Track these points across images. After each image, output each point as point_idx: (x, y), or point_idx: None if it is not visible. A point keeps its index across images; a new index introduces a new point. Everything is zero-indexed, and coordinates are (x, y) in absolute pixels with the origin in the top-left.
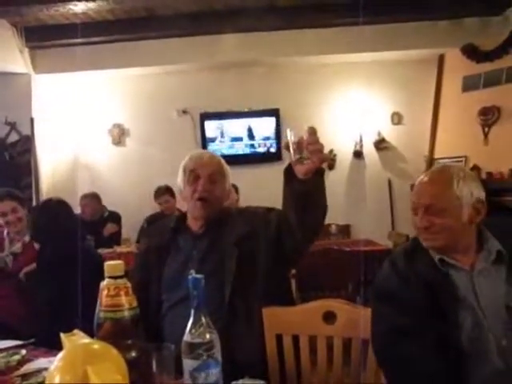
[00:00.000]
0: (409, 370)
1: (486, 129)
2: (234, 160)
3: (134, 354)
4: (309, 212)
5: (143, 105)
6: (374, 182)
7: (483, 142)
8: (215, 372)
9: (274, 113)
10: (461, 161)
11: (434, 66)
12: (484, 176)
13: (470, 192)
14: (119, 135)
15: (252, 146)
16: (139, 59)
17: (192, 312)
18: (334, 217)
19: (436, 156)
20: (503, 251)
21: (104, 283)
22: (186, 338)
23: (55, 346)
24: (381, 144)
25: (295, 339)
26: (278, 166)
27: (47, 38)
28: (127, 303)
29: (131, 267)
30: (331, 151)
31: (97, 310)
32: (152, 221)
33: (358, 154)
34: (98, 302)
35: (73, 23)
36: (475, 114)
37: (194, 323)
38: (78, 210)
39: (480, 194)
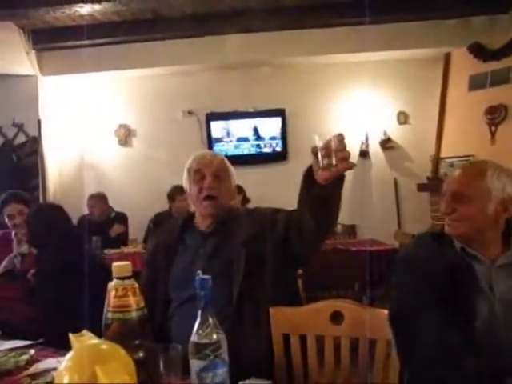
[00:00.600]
0: (422, 338)
1: (493, 128)
2: (240, 160)
3: (141, 354)
4: (326, 216)
5: (149, 105)
6: (380, 182)
7: (490, 141)
8: (222, 372)
9: (279, 113)
10: (467, 160)
11: (441, 65)
12: None
13: (502, 187)
14: (125, 136)
15: (258, 146)
16: (145, 60)
17: (199, 312)
18: (339, 216)
19: (442, 155)
20: None
21: (112, 284)
22: (193, 338)
23: (63, 347)
24: (387, 143)
25: (302, 339)
26: (284, 166)
27: (54, 40)
28: (135, 304)
29: (138, 268)
30: None
31: (105, 311)
32: (158, 220)
33: (363, 154)
34: (106, 303)
35: (79, 25)
36: (482, 112)
37: (201, 324)
38: (85, 211)
39: None
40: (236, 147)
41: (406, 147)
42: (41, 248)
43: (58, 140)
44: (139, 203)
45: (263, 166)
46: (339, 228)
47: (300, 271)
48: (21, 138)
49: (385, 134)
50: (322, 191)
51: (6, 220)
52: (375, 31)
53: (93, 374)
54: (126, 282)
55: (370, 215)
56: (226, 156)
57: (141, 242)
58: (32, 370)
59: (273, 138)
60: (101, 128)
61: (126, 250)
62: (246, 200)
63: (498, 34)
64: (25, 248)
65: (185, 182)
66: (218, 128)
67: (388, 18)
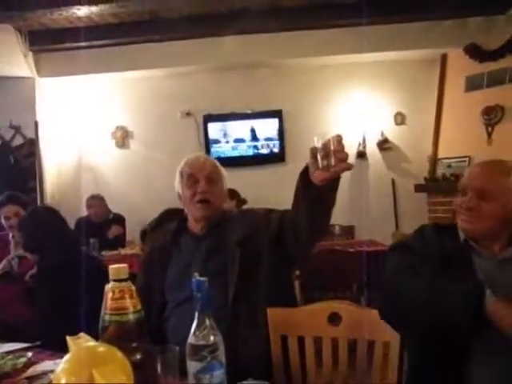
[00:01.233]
0: (413, 305)
1: (490, 128)
2: (238, 161)
3: (138, 356)
4: (321, 215)
5: (147, 107)
6: (378, 183)
7: (487, 142)
8: (219, 374)
9: (276, 114)
10: (464, 161)
11: (437, 66)
12: None
13: None
14: (123, 138)
15: (255, 147)
16: (142, 62)
17: (196, 314)
18: (337, 217)
19: (439, 156)
20: None
21: (109, 286)
22: (191, 340)
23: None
24: (384, 144)
25: (300, 340)
26: (281, 167)
27: (51, 41)
28: (132, 306)
29: (135, 270)
30: None
31: (102, 313)
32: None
33: (361, 155)
34: (103, 305)
35: (76, 27)
36: (478, 113)
37: (198, 325)
38: (83, 213)
39: None
40: (233, 148)
41: (404, 148)
42: (37, 252)
43: (56, 142)
44: (137, 205)
45: (260, 168)
46: (337, 229)
47: (298, 272)
48: (18, 140)
49: (382, 134)
50: (317, 192)
51: (3, 221)
52: (372, 32)
53: (90, 376)
54: (123, 284)
55: (368, 216)
56: (224, 157)
57: (138, 243)
58: (29, 372)
59: (270, 140)
60: (98, 130)
61: (123, 251)
62: (241, 202)
63: (495, 35)
64: (22, 250)
65: (177, 185)
66: (215, 129)
67: (385, 19)
